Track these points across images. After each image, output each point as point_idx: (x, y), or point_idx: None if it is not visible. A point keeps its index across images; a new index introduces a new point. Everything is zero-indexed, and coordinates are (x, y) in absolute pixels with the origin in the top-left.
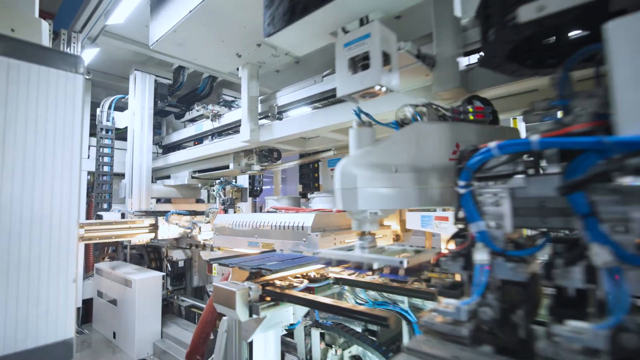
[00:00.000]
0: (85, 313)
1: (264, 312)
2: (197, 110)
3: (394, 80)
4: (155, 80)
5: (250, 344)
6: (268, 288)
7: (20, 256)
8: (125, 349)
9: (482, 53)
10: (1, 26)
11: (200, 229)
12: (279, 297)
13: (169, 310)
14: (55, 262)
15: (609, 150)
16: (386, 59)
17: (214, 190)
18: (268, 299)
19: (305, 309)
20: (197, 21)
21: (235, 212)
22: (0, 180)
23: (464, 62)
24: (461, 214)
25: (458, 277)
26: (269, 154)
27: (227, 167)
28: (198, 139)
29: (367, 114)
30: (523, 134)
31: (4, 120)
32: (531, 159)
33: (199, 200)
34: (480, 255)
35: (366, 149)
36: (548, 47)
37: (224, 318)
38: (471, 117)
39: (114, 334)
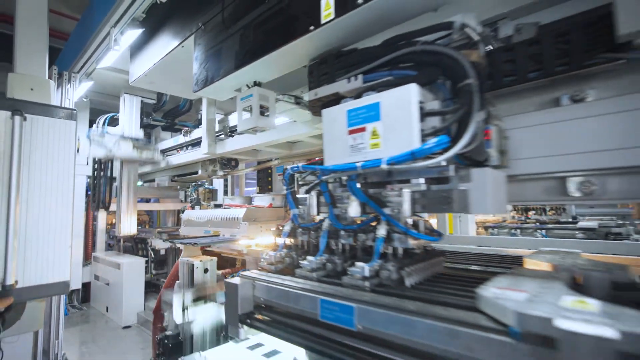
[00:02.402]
0: (84, 294)
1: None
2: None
3: (270, 122)
4: (142, 101)
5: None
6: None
7: (41, 234)
8: (115, 319)
9: None
10: (25, 86)
11: None
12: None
13: (153, 290)
14: (59, 236)
15: (322, 172)
16: (264, 109)
17: (189, 192)
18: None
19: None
20: (162, 68)
21: (200, 209)
22: (27, 190)
23: None
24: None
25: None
26: (227, 163)
27: (197, 172)
28: (179, 148)
29: None
30: None
31: (29, 152)
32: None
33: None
34: (286, 227)
35: None
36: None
37: (177, 282)
38: None
39: (107, 308)
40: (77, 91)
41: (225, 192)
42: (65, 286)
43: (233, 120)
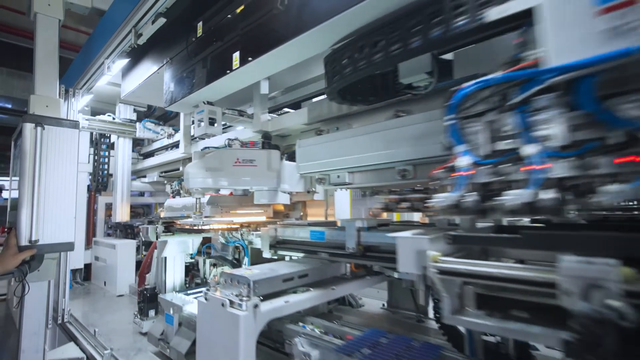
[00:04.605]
0: (86, 274)
1: (164, 237)
2: (162, 132)
3: (217, 130)
4: (134, 109)
5: (165, 261)
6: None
7: (54, 208)
8: (111, 290)
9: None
10: (42, 104)
11: None
12: (170, 229)
13: None
14: (66, 210)
15: (542, 76)
16: (213, 120)
17: (173, 185)
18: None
19: (197, 243)
20: (146, 87)
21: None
22: (45, 181)
23: (266, 117)
24: (448, 141)
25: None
26: None
27: (179, 169)
28: (165, 149)
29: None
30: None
31: (47, 153)
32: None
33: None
34: (461, 162)
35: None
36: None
37: (155, 250)
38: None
39: (105, 282)
40: (79, 103)
41: None
42: (71, 245)
43: None
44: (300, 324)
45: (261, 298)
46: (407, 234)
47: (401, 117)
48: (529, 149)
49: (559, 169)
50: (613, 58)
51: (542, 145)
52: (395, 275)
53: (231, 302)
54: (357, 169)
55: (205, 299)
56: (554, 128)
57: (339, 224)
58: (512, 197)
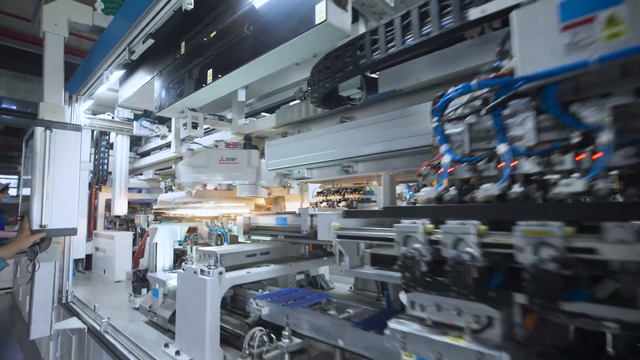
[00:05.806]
0: (87, 263)
1: (154, 225)
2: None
3: (199, 133)
4: (132, 111)
5: (156, 247)
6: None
7: (60, 198)
8: (109, 277)
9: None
10: (50, 110)
11: None
12: (159, 218)
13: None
14: (70, 200)
15: (514, 83)
16: (195, 124)
17: (167, 182)
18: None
19: (184, 231)
20: (139, 94)
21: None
22: (53, 177)
23: (243, 121)
24: (435, 141)
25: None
26: None
27: (171, 167)
28: (159, 149)
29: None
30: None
31: (54, 152)
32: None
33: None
34: (445, 160)
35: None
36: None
37: (148, 237)
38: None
39: (104, 270)
40: (82, 107)
41: None
42: (74, 230)
43: None
44: (260, 290)
45: (226, 269)
46: (325, 212)
47: (345, 122)
48: (501, 148)
49: (527, 166)
50: (571, 69)
51: (513, 144)
52: None
53: (201, 271)
54: (313, 165)
55: (183, 270)
56: (524, 129)
57: (297, 212)
58: (484, 190)
